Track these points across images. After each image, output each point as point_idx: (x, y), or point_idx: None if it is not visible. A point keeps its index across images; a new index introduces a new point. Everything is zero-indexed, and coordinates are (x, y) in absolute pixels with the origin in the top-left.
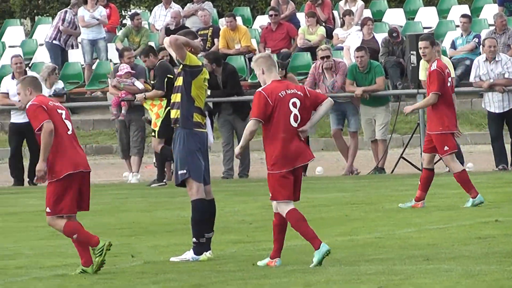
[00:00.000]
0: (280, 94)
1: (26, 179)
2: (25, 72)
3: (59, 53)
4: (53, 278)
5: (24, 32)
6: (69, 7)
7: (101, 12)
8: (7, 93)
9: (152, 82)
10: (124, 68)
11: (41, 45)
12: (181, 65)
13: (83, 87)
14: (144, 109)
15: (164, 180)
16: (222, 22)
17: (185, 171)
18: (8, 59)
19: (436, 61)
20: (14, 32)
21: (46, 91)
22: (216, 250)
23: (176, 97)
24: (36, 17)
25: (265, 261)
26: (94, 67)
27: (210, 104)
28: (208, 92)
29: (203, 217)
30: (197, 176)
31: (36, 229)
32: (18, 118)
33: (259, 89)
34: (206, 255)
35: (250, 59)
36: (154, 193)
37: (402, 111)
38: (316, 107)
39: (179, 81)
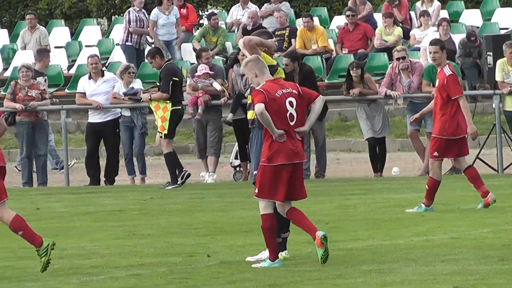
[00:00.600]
0: (277, 93)
1: (102, 179)
2: (102, 72)
3: (133, 54)
4: (128, 278)
5: (101, 31)
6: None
7: (176, 14)
8: (84, 93)
9: (158, 84)
10: (203, 68)
11: (118, 44)
12: None
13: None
14: (222, 110)
15: (178, 182)
16: (299, 23)
17: None
18: (85, 59)
19: (447, 65)
20: (91, 32)
21: (122, 90)
22: (292, 250)
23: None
24: (113, 17)
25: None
26: None
27: None
28: None
29: (279, 217)
30: None
31: (112, 229)
32: (95, 118)
33: (257, 87)
34: (282, 254)
35: (327, 60)
36: (230, 193)
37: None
38: (309, 104)
39: None
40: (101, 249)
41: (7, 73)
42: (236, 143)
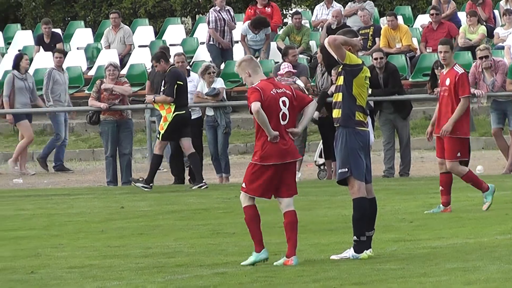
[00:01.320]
0: (272, 92)
1: (187, 177)
2: (188, 71)
3: (218, 53)
4: (213, 276)
5: (185, 30)
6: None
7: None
8: None
9: (162, 88)
10: (286, 67)
11: (202, 43)
12: (341, 65)
13: (244, 85)
14: None
15: (204, 181)
16: (383, 21)
17: (346, 169)
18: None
19: (456, 64)
20: (175, 31)
21: (205, 90)
22: (377, 249)
23: (338, 97)
24: (197, 16)
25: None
26: None
27: (371, 103)
28: (369, 91)
29: (364, 215)
30: (358, 175)
31: (197, 227)
32: None
33: (253, 85)
34: (367, 253)
35: (411, 58)
36: (314, 192)
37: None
38: (301, 108)
39: (340, 81)
40: (185, 248)
41: (91, 72)
42: (321, 142)
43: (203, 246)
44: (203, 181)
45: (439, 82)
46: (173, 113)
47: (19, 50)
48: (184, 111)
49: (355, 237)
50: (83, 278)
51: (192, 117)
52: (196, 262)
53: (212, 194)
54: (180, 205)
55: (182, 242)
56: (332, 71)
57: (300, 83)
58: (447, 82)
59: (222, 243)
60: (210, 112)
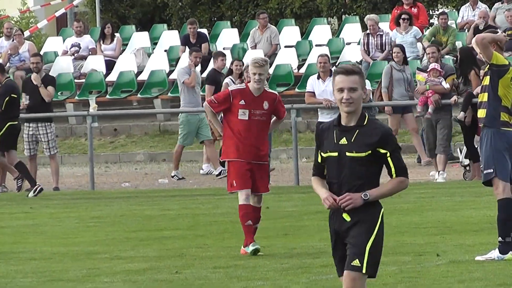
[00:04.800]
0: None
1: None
2: (330, 72)
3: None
4: None
5: (331, 31)
6: None
7: (415, 34)
8: (313, 92)
9: None
10: (433, 66)
11: (348, 44)
12: (488, 65)
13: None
14: (452, 108)
15: (38, 183)
16: None
17: (491, 170)
18: (315, 58)
19: None
20: (321, 31)
21: None
22: None
23: (483, 97)
24: (343, 16)
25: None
26: None
27: None
28: None
29: (510, 216)
30: (503, 176)
31: None
32: (325, 117)
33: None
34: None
35: None
36: (460, 192)
37: None
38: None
39: (486, 81)
40: (330, 248)
41: None
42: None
43: None
44: (37, 184)
45: None
46: (7, 124)
47: (165, 50)
48: (16, 122)
49: (500, 238)
50: (228, 278)
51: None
52: None
53: None
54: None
55: (327, 242)
56: (481, 70)
57: (445, 84)
58: None
59: None
60: None
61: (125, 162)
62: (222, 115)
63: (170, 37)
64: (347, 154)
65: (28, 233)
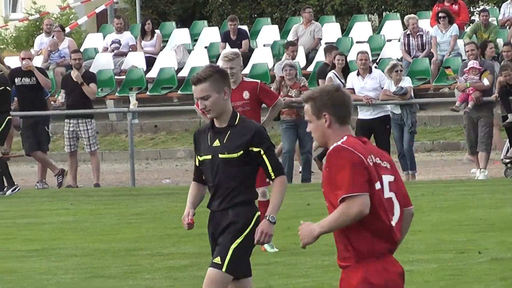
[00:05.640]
0: None
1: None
2: (370, 69)
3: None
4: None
5: (372, 28)
6: None
7: (453, 31)
8: (353, 89)
9: None
10: (472, 63)
11: (389, 41)
12: None
13: (429, 83)
14: (493, 105)
15: (16, 184)
16: None
17: None
18: (355, 55)
19: None
20: (362, 28)
21: (392, 89)
22: None
23: None
24: (384, 13)
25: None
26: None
27: None
28: None
29: None
30: None
31: None
32: (365, 114)
33: None
34: None
35: None
36: (501, 190)
37: None
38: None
39: None
40: None
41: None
42: (508, 140)
43: None
44: (15, 184)
45: None
46: (6, 117)
47: (205, 47)
48: (11, 116)
49: None
50: (268, 275)
51: (379, 115)
52: None
53: None
54: None
55: None
56: None
57: (485, 81)
58: None
59: (408, 240)
60: (397, 110)
61: (165, 159)
62: None
63: (210, 34)
64: (220, 156)
65: (69, 229)
